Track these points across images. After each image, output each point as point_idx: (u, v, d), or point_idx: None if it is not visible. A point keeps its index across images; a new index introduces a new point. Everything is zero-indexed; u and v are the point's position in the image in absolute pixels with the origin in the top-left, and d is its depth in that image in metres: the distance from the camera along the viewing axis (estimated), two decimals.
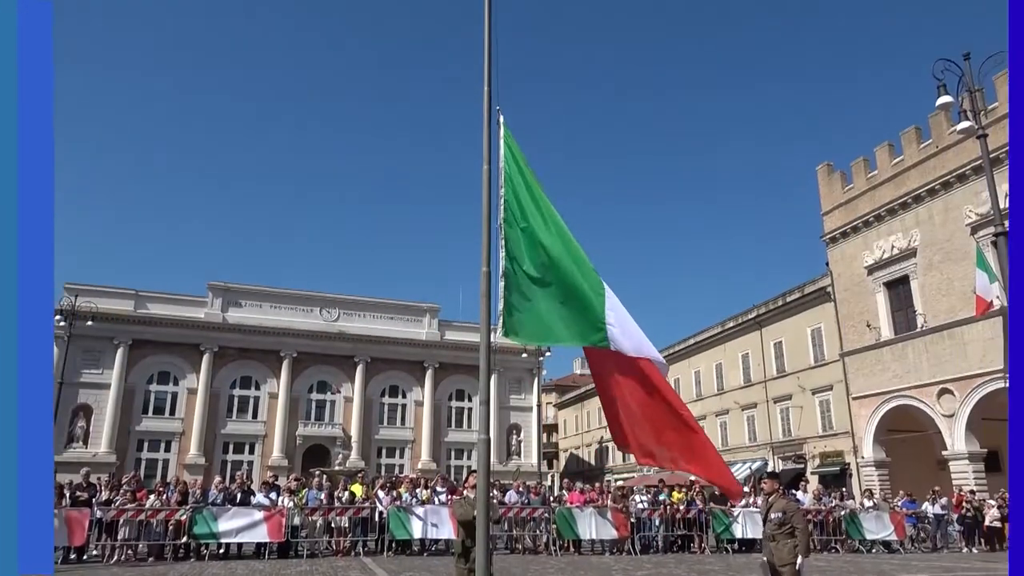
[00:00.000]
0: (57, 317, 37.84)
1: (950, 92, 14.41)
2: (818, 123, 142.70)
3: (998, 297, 22.63)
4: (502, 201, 6.04)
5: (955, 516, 21.30)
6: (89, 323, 36.78)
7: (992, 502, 21.11)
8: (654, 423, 5.60)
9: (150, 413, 47.82)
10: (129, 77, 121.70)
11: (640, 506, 18.93)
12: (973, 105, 14.63)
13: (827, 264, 32.43)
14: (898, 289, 28.24)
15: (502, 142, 6.19)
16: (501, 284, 5.84)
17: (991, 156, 17.33)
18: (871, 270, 29.24)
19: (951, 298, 25.37)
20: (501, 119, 6.25)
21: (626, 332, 5.68)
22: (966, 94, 14.57)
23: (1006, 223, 16.12)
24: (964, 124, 14.76)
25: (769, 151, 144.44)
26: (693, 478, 24.74)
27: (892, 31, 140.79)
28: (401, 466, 52.16)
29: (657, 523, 18.85)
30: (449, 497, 16.51)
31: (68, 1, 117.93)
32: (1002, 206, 18.61)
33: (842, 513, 20.09)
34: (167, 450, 47.59)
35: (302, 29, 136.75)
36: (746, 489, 21.39)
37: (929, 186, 26.50)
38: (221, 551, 15.64)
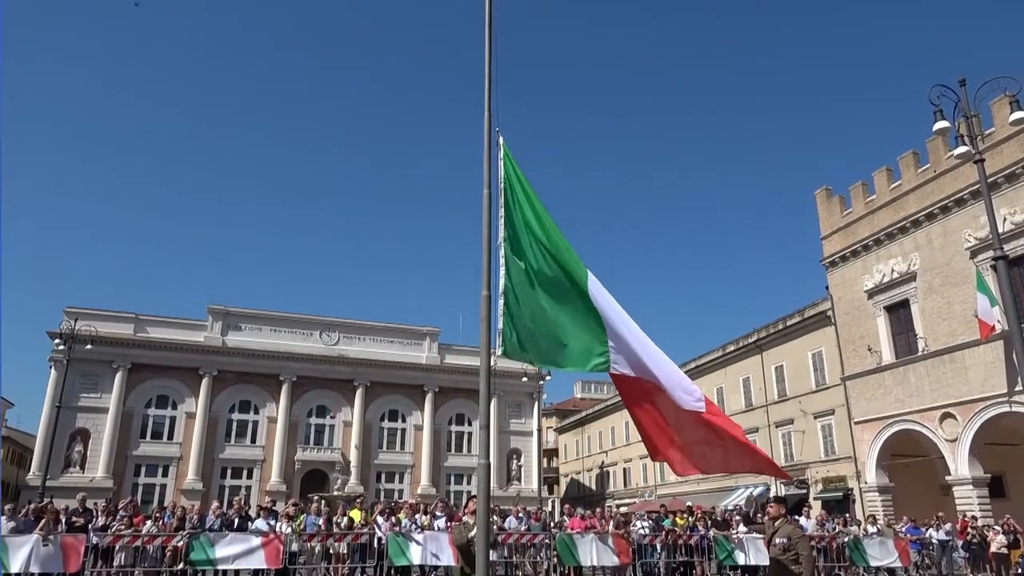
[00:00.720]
0: (56, 341, 37.82)
1: (947, 117, 14.53)
2: (816, 147, 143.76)
3: (999, 321, 22.63)
4: (502, 221, 6.07)
5: (960, 542, 21.06)
6: (88, 347, 36.73)
7: (997, 528, 20.90)
8: (685, 431, 5.59)
9: (148, 437, 47.60)
10: (127, 99, 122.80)
11: (642, 532, 18.73)
12: (970, 130, 14.74)
13: (827, 288, 32.44)
14: (898, 313, 28.21)
15: (501, 163, 6.22)
16: (501, 302, 5.86)
17: (989, 181, 17.46)
18: (871, 294, 29.23)
19: (951, 322, 25.34)
20: (501, 140, 6.28)
21: (627, 348, 5.66)
22: (962, 119, 14.68)
23: (1005, 247, 16.20)
24: (961, 149, 14.87)
25: (768, 175, 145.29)
26: (690, 503, 24.71)
27: (889, 56, 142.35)
28: (400, 491, 51.79)
29: (659, 549, 18.63)
30: (448, 524, 16.35)
31: (73, 11, 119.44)
32: (1001, 230, 18.70)
33: (846, 539, 19.85)
34: (164, 475, 47.28)
35: (298, 51, 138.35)
36: (739, 517, 21.24)
37: (928, 210, 26.59)
38: None
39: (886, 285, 28.47)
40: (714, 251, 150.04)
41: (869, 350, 29.10)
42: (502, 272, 5.94)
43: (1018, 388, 22.40)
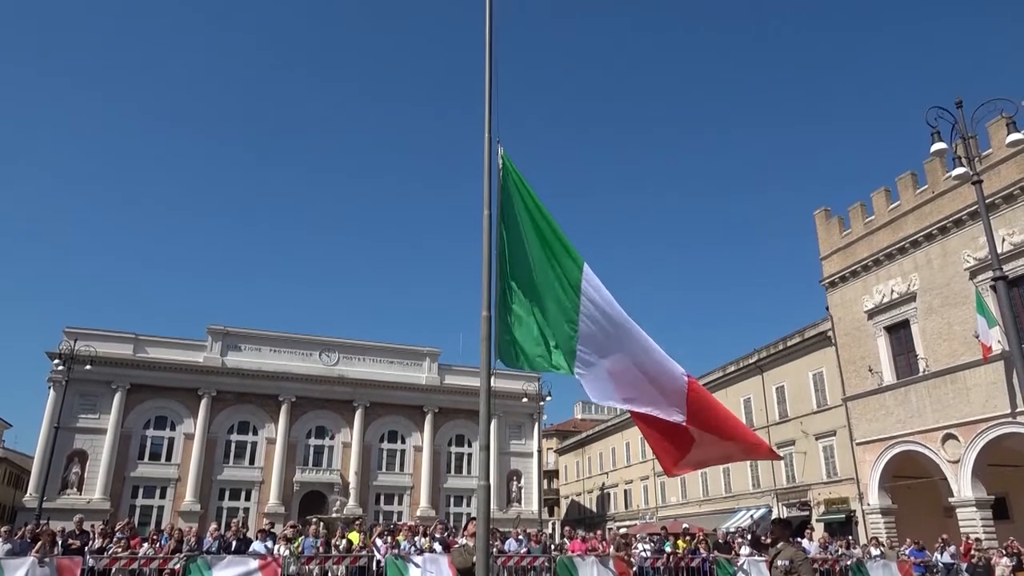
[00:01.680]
0: (56, 361, 37.67)
1: (944, 139, 14.62)
2: (815, 169, 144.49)
3: (999, 341, 22.60)
4: (496, 231, 6.13)
5: (964, 565, 20.86)
6: (88, 367, 36.60)
7: (1002, 551, 20.70)
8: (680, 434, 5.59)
9: (146, 459, 47.28)
10: (126, 116, 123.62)
11: (643, 555, 18.58)
12: (967, 151, 14.83)
13: (827, 308, 32.44)
14: (899, 333, 28.19)
15: (500, 172, 6.26)
16: (495, 312, 5.94)
17: (987, 201, 17.53)
18: (871, 314, 29.23)
19: (952, 342, 25.31)
20: (501, 151, 6.30)
21: (601, 371, 5.68)
22: (959, 141, 14.78)
23: (1004, 267, 16.23)
24: (959, 170, 14.93)
25: (767, 194, 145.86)
26: (686, 525, 24.52)
27: (887, 76, 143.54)
28: (400, 513, 51.38)
29: (660, 572, 18.45)
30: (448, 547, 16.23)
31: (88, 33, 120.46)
32: (1000, 250, 18.74)
33: (849, 562, 19.69)
34: (162, 496, 46.90)
35: (301, 71, 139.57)
36: (749, 537, 21.08)
37: (926, 231, 26.68)
38: None
39: (886, 305, 28.49)
40: (714, 271, 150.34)
41: (870, 371, 29.04)
42: (497, 279, 6.01)
43: (1020, 409, 22.32)
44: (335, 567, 16.30)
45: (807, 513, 33.22)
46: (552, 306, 5.88)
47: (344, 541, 17.16)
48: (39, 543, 13.99)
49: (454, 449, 55.36)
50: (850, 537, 25.13)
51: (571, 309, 5.76)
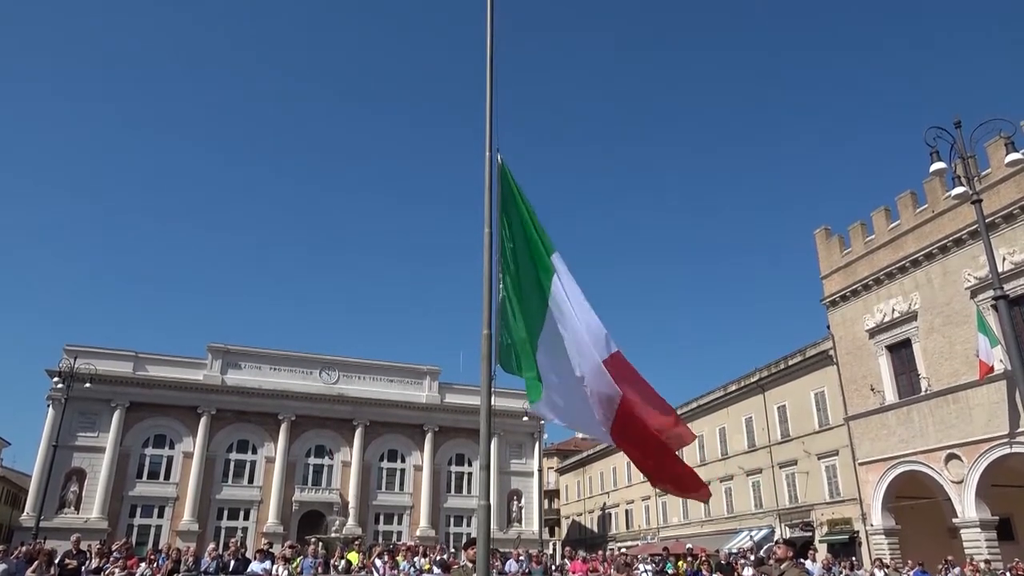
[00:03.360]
0: (55, 379, 37.56)
1: (943, 158, 14.69)
2: (815, 188, 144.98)
3: (1001, 360, 22.53)
4: (498, 242, 6.17)
5: None
6: (87, 385, 36.49)
7: (1007, 573, 20.50)
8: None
9: (144, 477, 47.07)
10: (128, 135, 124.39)
11: None
12: (966, 171, 14.88)
13: (828, 327, 32.40)
14: (900, 352, 28.11)
15: (498, 183, 6.31)
16: (496, 319, 6.00)
17: (987, 221, 17.57)
18: (872, 333, 29.19)
19: (954, 361, 25.25)
20: (499, 157, 6.34)
21: (566, 399, 5.80)
22: (959, 160, 14.84)
23: (1005, 287, 16.22)
24: (958, 189, 14.97)
25: (768, 213, 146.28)
26: (689, 546, 24.34)
27: (885, 96, 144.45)
28: (399, 533, 51.03)
29: None
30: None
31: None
32: (1000, 270, 18.75)
33: None
34: (160, 516, 46.63)
35: (301, 86, 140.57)
36: (752, 557, 20.90)
37: (927, 250, 26.71)
38: None
39: (887, 324, 28.45)
40: (715, 289, 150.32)
41: (872, 390, 28.93)
42: (499, 286, 6.04)
43: (1021, 429, 22.21)
44: None
45: (810, 534, 32.94)
46: (528, 325, 5.99)
47: (343, 561, 17.05)
48: (35, 563, 13.88)
49: (454, 468, 55.08)
50: (853, 558, 24.93)
51: (537, 328, 5.90)
